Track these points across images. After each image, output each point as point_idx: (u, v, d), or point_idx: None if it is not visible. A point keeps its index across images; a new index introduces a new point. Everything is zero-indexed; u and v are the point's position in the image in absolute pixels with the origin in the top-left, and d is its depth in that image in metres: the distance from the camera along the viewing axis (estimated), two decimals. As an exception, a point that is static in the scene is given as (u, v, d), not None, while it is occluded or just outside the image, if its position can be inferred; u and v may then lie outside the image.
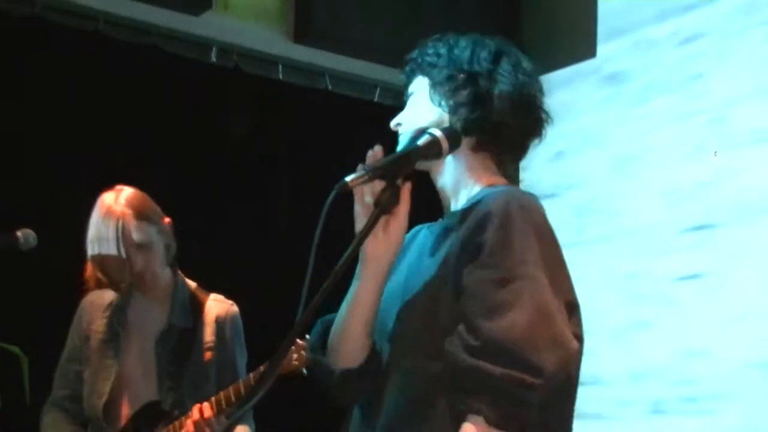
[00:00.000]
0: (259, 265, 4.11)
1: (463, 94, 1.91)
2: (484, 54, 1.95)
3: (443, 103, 1.93)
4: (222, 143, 4.22)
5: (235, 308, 3.06)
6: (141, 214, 2.90)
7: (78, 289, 2.98)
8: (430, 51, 1.99)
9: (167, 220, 2.99)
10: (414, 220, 1.88)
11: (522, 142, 2.00)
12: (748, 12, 4.09)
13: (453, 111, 1.91)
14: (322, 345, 1.93)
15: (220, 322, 2.99)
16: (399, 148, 1.91)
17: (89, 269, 2.91)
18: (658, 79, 4.43)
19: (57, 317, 3.12)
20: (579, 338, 1.77)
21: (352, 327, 1.86)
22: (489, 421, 1.66)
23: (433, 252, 1.88)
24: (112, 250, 2.85)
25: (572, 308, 1.78)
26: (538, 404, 1.67)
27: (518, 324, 1.67)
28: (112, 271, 2.89)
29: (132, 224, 2.87)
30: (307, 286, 1.67)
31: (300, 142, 4.35)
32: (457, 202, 1.94)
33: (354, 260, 1.79)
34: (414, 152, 1.82)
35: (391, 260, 1.85)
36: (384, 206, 1.76)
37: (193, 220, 3.94)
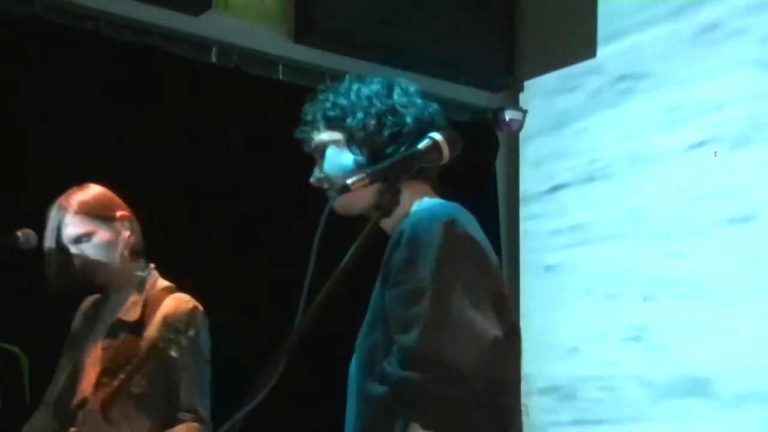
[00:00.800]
0: (259, 264, 4.10)
1: (383, 136, 1.97)
2: (379, 91, 2.01)
3: (364, 150, 1.97)
4: (222, 143, 4.21)
5: (190, 305, 2.88)
6: (82, 208, 2.86)
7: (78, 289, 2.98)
8: (329, 105, 2.03)
9: (122, 213, 2.93)
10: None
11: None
12: (751, 11, 4.11)
13: (376, 155, 1.96)
14: None
15: (168, 318, 2.83)
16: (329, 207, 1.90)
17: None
18: (658, 78, 4.43)
19: (57, 317, 3.12)
20: (511, 329, 1.85)
21: None
22: (424, 426, 1.74)
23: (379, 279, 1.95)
24: (49, 244, 2.84)
25: (498, 301, 1.84)
26: (468, 400, 1.74)
27: (429, 330, 1.74)
28: (55, 267, 2.85)
29: (68, 218, 2.85)
30: (306, 289, 1.67)
31: (300, 142, 4.33)
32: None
33: (355, 264, 1.79)
34: (415, 156, 1.83)
35: None
36: (385, 209, 1.77)
37: (192, 219, 3.94)
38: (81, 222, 2.87)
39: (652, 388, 4.26)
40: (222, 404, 2.90)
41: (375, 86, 2.01)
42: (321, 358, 3.26)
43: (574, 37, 4.79)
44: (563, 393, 4.65)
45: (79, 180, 3.01)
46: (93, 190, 2.94)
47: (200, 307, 2.91)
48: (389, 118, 1.97)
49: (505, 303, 1.86)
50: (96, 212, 2.89)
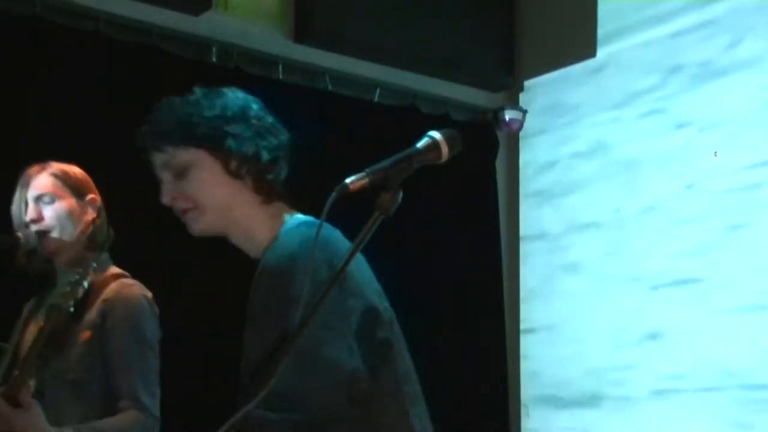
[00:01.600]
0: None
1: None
2: (234, 102, 2.08)
3: (242, 167, 2.08)
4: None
5: (133, 290, 2.76)
6: (59, 173, 2.82)
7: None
8: (195, 120, 2.08)
9: (93, 196, 2.86)
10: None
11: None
12: (752, 11, 4.11)
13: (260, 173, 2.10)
14: None
15: (108, 302, 2.72)
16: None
17: None
18: (658, 78, 4.44)
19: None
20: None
21: None
22: None
23: None
24: (13, 227, 2.79)
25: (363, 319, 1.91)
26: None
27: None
28: (22, 251, 2.79)
29: (41, 176, 2.80)
30: (306, 291, 1.67)
31: (300, 143, 4.33)
32: None
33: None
34: (415, 155, 1.81)
35: None
36: (384, 209, 1.76)
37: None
38: (52, 183, 2.81)
39: (661, 387, 4.25)
40: (174, 395, 2.85)
41: (227, 99, 2.07)
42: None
43: (574, 37, 4.80)
44: (563, 393, 4.65)
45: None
46: (74, 167, 2.88)
47: (148, 294, 2.79)
48: (268, 138, 2.08)
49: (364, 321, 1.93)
50: (70, 183, 2.83)
